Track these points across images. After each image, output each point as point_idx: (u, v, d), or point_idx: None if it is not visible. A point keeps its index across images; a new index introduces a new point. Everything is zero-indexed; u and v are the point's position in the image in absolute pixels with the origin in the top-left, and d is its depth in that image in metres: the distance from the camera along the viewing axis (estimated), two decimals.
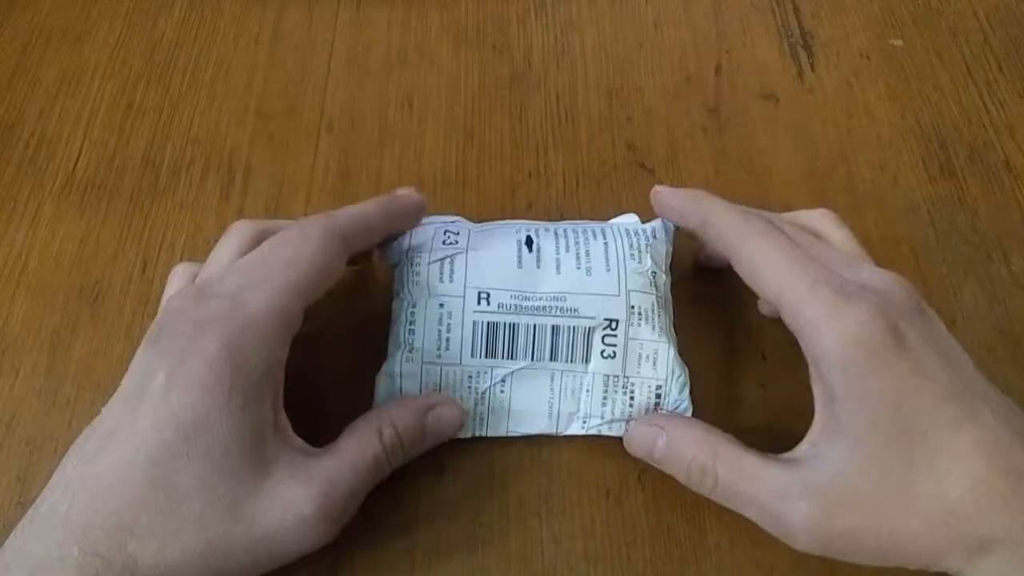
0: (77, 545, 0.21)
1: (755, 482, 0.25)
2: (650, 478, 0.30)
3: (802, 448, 0.26)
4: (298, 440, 0.25)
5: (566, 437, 0.30)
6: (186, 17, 0.42)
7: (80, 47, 0.41)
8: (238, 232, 0.28)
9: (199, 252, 0.29)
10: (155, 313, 0.26)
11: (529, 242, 0.30)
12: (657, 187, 0.30)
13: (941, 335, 0.25)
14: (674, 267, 0.32)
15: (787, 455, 0.26)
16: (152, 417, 0.23)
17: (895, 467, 0.23)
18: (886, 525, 0.23)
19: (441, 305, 0.29)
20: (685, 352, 0.30)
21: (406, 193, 0.31)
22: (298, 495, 0.23)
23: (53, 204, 0.36)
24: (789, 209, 0.32)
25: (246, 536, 0.23)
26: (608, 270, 0.29)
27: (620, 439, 0.30)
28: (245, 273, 0.26)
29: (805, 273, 0.25)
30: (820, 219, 0.30)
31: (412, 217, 0.30)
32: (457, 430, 0.28)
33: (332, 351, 0.32)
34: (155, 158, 0.37)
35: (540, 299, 0.29)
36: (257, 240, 0.27)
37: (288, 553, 0.24)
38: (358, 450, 0.25)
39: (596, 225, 0.32)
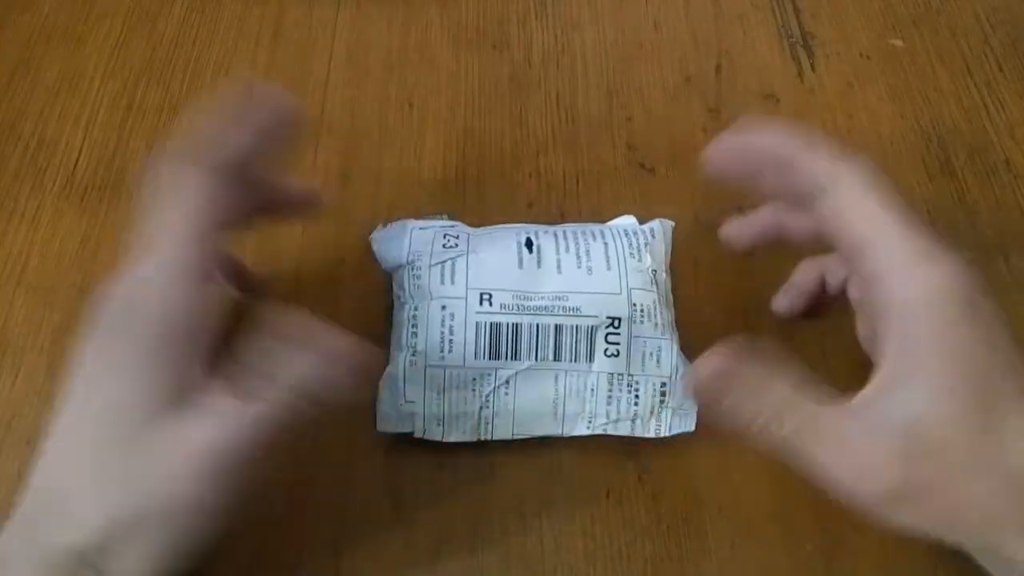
0: (29, 540, 0.22)
1: (826, 432, 0.24)
2: (650, 478, 0.30)
3: (868, 395, 0.24)
4: (213, 397, 0.23)
5: (567, 437, 0.30)
6: (186, 17, 0.42)
7: (80, 47, 0.41)
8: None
9: None
10: None
11: (529, 243, 0.30)
12: (724, 137, 0.27)
13: (1002, 313, 0.25)
14: (674, 266, 0.32)
15: (851, 403, 0.24)
16: (86, 403, 0.23)
17: (970, 422, 0.23)
18: (955, 481, 0.23)
19: (443, 307, 0.29)
20: (685, 352, 0.30)
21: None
22: (186, 455, 0.22)
23: (53, 204, 0.36)
24: None
25: (147, 505, 0.22)
26: (609, 269, 0.29)
27: (622, 438, 0.30)
28: (143, 239, 0.24)
29: (904, 217, 0.25)
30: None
31: (280, 117, 0.26)
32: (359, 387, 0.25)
33: None
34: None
35: (542, 299, 0.29)
36: None
37: (187, 522, 0.22)
38: (261, 409, 0.23)
39: (595, 227, 0.32)
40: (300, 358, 0.23)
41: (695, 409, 0.29)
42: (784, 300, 0.31)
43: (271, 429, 0.23)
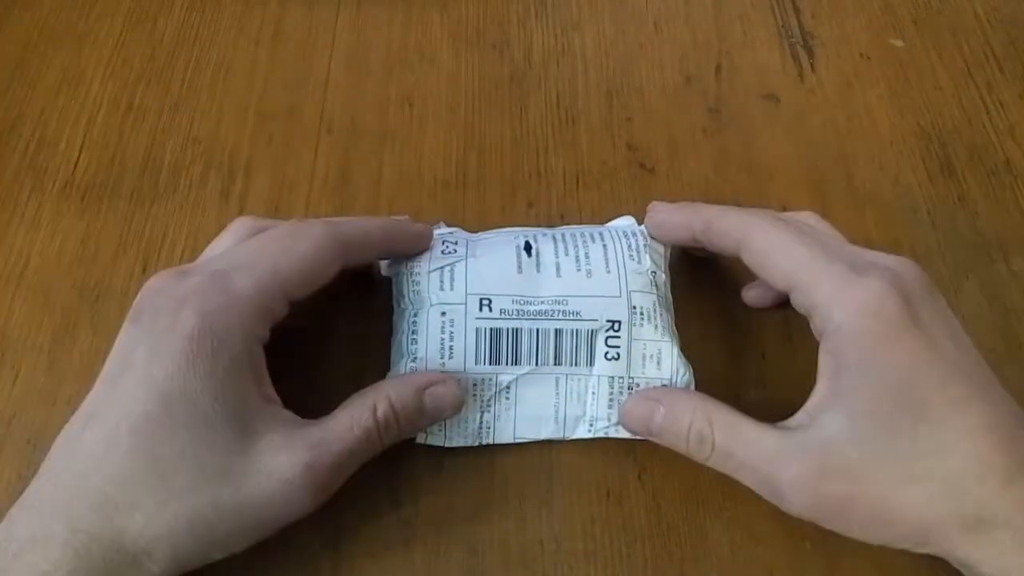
0: (62, 523, 0.22)
1: (750, 446, 0.25)
2: (650, 478, 0.30)
3: (798, 417, 0.26)
4: (288, 413, 0.25)
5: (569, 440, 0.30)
6: (186, 17, 0.42)
7: (80, 47, 0.41)
8: (238, 227, 0.29)
9: (199, 252, 0.30)
10: None
11: (528, 247, 0.30)
12: (650, 210, 0.31)
13: (949, 316, 0.26)
14: (673, 268, 0.32)
15: (782, 423, 0.26)
16: (134, 391, 0.23)
17: (897, 439, 0.23)
18: (881, 493, 0.24)
19: (443, 313, 0.28)
20: (685, 352, 0.30)
21: (411, 221, 0.31)
22: (283, 461, 0.24)
23: (53, 204, 0.36)
24: (787, 210, 0.32)
25: (232, 502, 0.23)
26: (608, 272, 0.29)
27: (623, 440, 0.30)
28: (234, 256, 0.26)
29: (817, 252, 0.26)
30: (809, 219, 0.30)
31: (414, 244, 0.30)
32: (456, 410, 0.28)
33: (335, 353, 0.32)
34: (155, 158, 0.37)
35: (542, 303, 0.29)
36: (256, 234, 0.28)
37: (274, 519, 0.24)
38: (349, 422, 0.25)
39: (594, 229, 0.32)
40: (394, 387, 0.27)
41: None
42: (753, 292, 0.33)
43: (361, 451, 0.26)
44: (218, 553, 0.24)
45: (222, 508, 0.23)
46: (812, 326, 0.27)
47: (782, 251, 0.27)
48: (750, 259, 0.28)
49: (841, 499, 0.24)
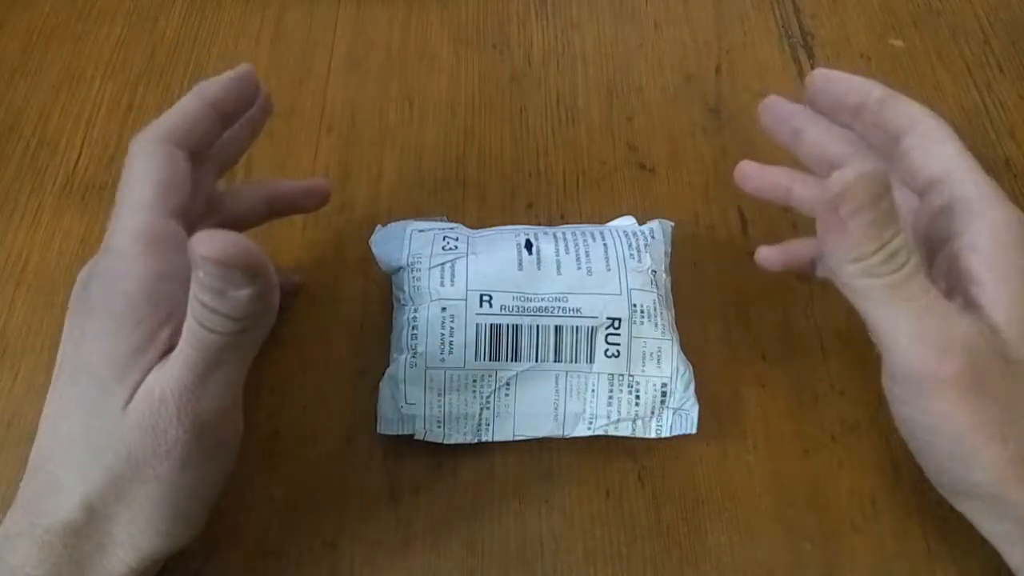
0: (27, 519, 0.23)
1: (931, 308, 0.24)
2: (650, 478, 0.30)
3: (966, 307, 0.25)
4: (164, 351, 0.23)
5: (568, 438, 0.30)
6: (186, 17, 0.42)
7: (80, 47, 0.41)
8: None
9: None
10: None
11: (528, 245, 0.30)
12: (817, 71, 0.29)
13: None
14: (674, 267, 0.32)
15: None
16: (65, 377, 0.24)
17: None
18: (1012, 399, 0.23)
19: (443, 309, 0.29)
20: (685, 351, 0.30)
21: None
22: (143, 392, 0.23)
23: (53, 204, 0.36)
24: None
25: (125, 458, 0.22)
26: (608, 270, 0.29)
27: (621, 438, 0.30)
28: (113, 217, 0.25)
29: (977, 164, 0.27)
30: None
31: (241, 90, 0.28)
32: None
33: (334, 349, 0.32)
34: None
35: (542, 300, 0.29)
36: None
37: (168, 461, 0.23)
38: (186, 330, 0.22)
39: (594, 228, 0.32)
40: (193, 283, 0.22)
41: (696, 409, 0.29)
42: (769, 253, 0.31)
43: (203, 362, 0.22)
44: (169, 526, 0.23)
45: (123, 469, 0.23)
46: (947, 224, 0.27)
47: (954, 142, 0.28)
48: (916, 144, 0.28)
49: (979, 381, 0.23)
